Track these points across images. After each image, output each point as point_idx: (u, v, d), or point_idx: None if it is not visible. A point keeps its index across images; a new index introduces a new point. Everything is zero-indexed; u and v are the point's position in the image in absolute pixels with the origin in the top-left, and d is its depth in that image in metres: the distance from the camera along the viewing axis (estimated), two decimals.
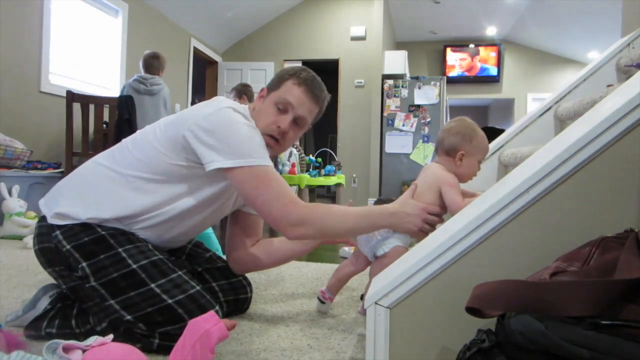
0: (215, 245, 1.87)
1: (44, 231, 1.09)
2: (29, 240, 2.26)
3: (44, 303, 1.12)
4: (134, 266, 1.02)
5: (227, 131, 1.06)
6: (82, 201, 1.08)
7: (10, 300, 1.35)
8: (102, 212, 1.06)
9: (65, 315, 1.10)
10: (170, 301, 1.00)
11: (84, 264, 1.03)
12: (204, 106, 1.12)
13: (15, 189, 2.65)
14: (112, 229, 1.07)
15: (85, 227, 1.05)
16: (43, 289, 1.17)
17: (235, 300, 1.28)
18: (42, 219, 1.12)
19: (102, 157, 1.16)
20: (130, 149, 1.14)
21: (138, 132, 1.20)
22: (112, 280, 1.01)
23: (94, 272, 1.02)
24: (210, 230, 1.87)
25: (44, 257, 1.10)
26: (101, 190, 1.09)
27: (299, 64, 5.92)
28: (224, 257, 1.37)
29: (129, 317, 1.00)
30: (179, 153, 1.08)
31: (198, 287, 1.05)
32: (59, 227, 1.06)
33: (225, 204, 1.23)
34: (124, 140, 1.19)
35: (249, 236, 1.33)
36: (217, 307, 1.05)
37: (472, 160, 1.25)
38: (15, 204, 2.59)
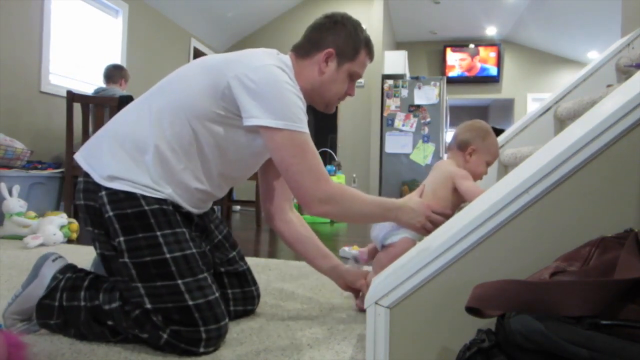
0: None
1: (91, 188, 1.07)
2: (29, 240, 2.26)
3: (49, 270, 1.10)
4: (167, 256, 1.01)
5: (274, 90, 1.03)
6: (124, 158, 1.05)
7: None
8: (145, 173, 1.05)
9: (75, 286, 1.07)
10: (190, 303, 0.99)
11: (122, 239, 1.02)
12: (252, 56, 1.10)
13: (16, 189, 2.65)
14: (156, 202, 1.05)
15: (130, 196, 1.04)
16: (43, 256, 1.14)
17: (243, 310, 1.28)
18: (87, 173, 1.09)
19: (137, 106, 1.13)
20: (166, 91, 1.11)
21: (166, 78, 1.16)
22: (144, 264, 1.01)
23: (129, 249, 1.01)
24: None
25: (88, 215, 1.08)
26: (140, 144, 1.06)
27: None
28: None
29: (149, 306, 1.00)
30: (217, 101, 1.06)
31: (217, 294, 1.05)
32: (106, 188, 1.04)
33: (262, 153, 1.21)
34: (158, 84, 1.15)
35: (286, 191, 1.34)
36: (226, 320, 1.05)
37: (480, 159, 1.27)
38: (15, 204, 2.58)
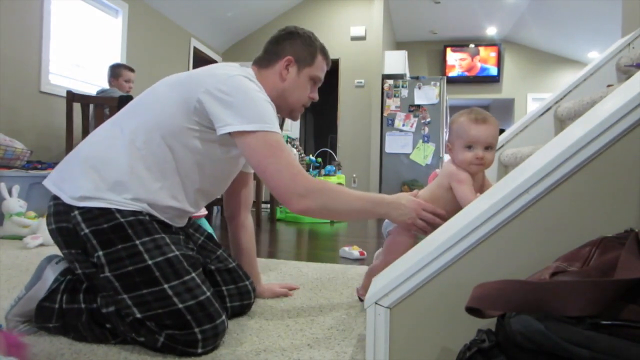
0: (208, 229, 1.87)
1: (61, 210, 1.07)
2: (29, 240, 2.26)
3: (51, 272, 1.11)
4: (150, 262, 1.01)
5: (245, 96, 1.08)
6: (96, 179, 1.06)
7: (10, 300, 1.35)
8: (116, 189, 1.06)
9: (74, 289, 1.08)
10: (180, 306, 0.99)
11: (100, 253, 1.01)
12: (218, 69, 1.14)
13: (15, 189, 2.65)
14: (132, 214, 1.05)
15: (105, 211, 1.03)
16: (47, 258, 1.14)
17: (240, 306, 1.28)
18: (56, 197, 1.09)
19: (108, 128, 1.15)
20: (137, 112, 1.14)
21: (134, 100, 1.19)
22: (127, 274, 1.00)
23: (109, 262, 1.01)
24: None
25: (62, 237, 1.08)
26: (113, 165, 1.07)
27: None
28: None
29: (139, 315, 0.99)
30: (190, 116, 1.09)
31: (208, 293, 1.04)
32: (78, 208, 1.04)
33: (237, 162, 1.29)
34: (127, 106, 1.18)
35: (248, 198, 1.47)
36: (223, 317, 1.04)
37: (457, 150, 1.19)
38: (15, 204, 2.58)
